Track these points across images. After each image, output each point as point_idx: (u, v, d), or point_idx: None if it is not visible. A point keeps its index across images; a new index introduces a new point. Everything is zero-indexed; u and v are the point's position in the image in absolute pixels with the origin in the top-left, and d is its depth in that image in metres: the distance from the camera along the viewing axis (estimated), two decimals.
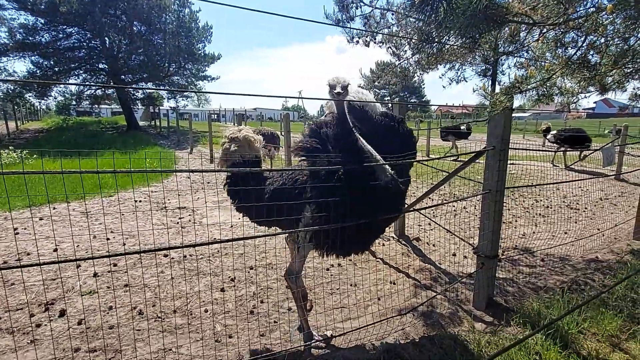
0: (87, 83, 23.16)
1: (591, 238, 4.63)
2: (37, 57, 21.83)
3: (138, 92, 27.89)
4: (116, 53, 23.15)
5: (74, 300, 3.01)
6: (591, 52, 2.57)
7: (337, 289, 3.33)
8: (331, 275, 3.63)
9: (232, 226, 4.88)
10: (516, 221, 5.53)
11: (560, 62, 2.43)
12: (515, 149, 3.23)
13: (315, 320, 2.80)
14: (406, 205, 3.01)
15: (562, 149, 10.58)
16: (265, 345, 2.52)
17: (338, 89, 2.08)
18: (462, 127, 13.66)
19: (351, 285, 3.41)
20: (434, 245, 4.50)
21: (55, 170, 1.59)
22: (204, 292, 3.18)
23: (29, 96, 27.34)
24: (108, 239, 4.36)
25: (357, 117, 2.40)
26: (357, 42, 5.06)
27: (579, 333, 2.58)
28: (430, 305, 3.03)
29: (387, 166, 2.24)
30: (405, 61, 5.75)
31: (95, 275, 3.43)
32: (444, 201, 6.36)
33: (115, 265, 3.66)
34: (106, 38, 22.32)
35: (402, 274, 3.67)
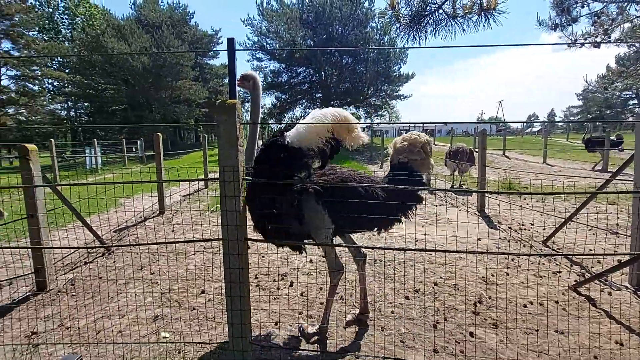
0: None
1: None
2: (278, 93, 29.62)
3: None
4: (329, 83, 28.07)
5: (297, 277, 4.02)
6: None
7: (536, 331, 2.95)
8: (528, 313, 3.23)
9: (417, 239, 5.09)
10: None
11: None
12: None
13: (507, 356, 2.62)
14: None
15: None
16: None
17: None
18: (611, 138, 12.91)
19: (556, 331, 2.93)
20: None
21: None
22: (391, 296, 3.54)
23: (271, 122, 37.31)
24: None
25: None
26: (582, 45, 4.26)
27: None
28: None
29: None
30: None
31: (310, 261, 4.44)
32: None
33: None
34: (322, 72, 27.48)
35: (638, 336, 2.82)
